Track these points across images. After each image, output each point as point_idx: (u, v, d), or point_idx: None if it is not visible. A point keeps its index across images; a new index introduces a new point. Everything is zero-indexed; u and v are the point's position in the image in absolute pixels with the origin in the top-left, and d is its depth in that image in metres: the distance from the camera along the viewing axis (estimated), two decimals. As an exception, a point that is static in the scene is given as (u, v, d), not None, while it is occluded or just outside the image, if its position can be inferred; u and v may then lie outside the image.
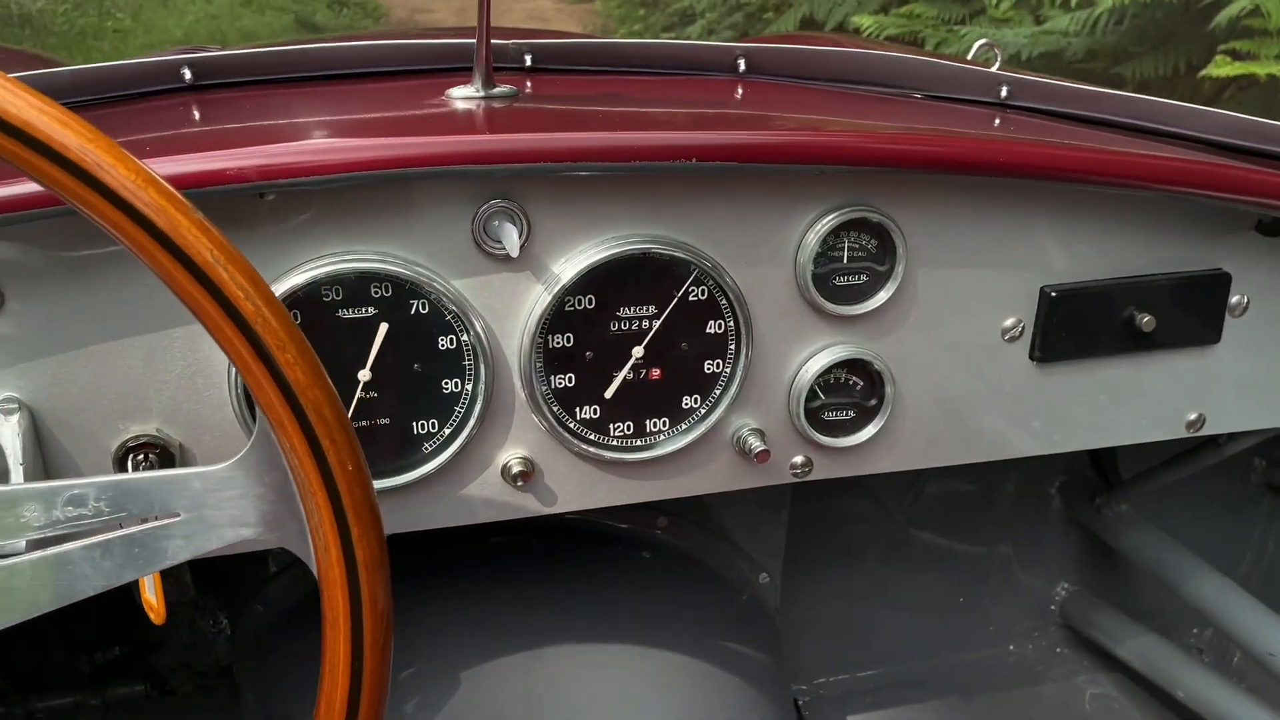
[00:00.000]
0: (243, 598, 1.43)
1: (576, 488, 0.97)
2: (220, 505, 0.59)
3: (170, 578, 1.44)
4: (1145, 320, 1.02)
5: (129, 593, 1.46)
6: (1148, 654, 1.57)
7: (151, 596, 0.81)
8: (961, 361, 1.02)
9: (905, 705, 1.62)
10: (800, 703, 1.61)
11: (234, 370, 0.82)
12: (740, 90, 1.18)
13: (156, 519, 0.58)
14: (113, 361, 0.82)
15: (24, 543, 0.58)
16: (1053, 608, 1.73)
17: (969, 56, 1.29)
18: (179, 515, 0.59)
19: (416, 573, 1.09)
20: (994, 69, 1.19)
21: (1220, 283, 1.06)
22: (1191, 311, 1.05)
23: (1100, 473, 1.64)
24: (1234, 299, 1.07)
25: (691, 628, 1.30)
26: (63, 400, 0.82)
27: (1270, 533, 1.72)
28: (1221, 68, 3.61)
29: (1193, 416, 1.10)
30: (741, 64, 1.18)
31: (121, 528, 0.58)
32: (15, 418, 0.78)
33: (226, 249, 0.54)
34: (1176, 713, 1.56)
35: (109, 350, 0.82)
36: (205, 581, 1.50)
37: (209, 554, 0.60)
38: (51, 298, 0.80)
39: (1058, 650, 1.71)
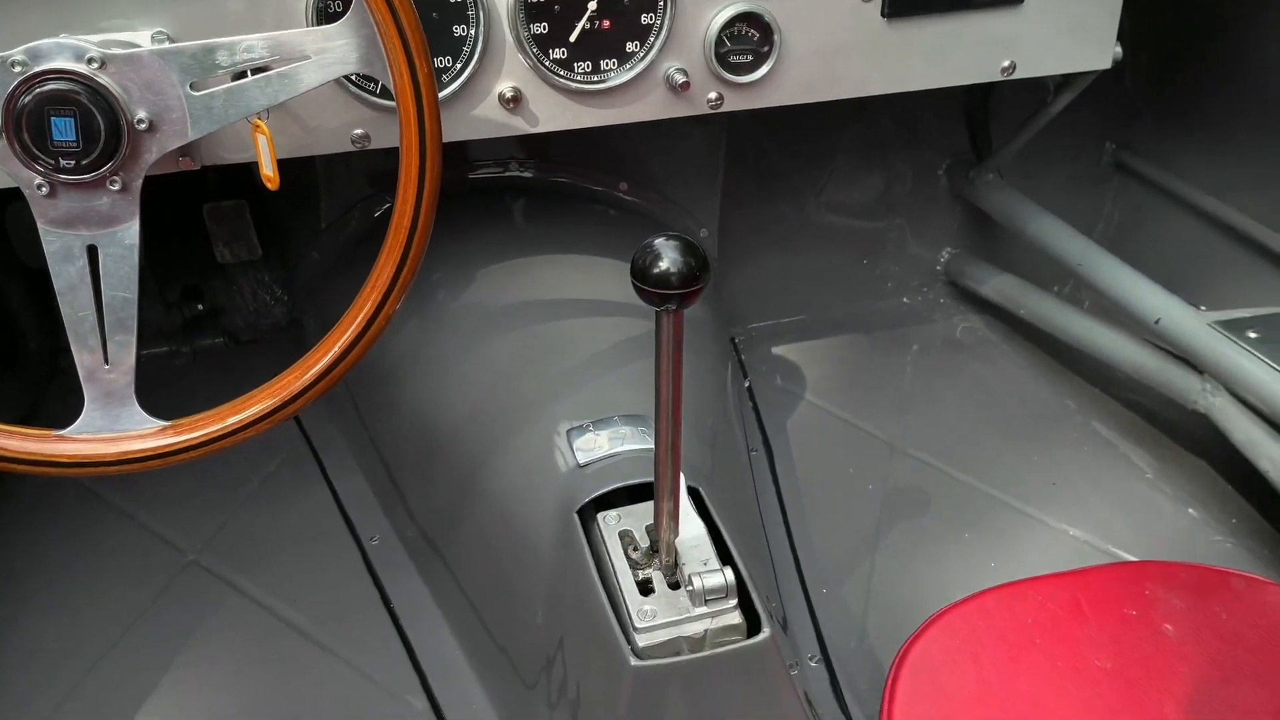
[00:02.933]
0: (299, 251, 1.84)
1: (552, 112, 1.35)
2: (334, 50, 0.97)
3: (241, 239, 1.85)
4: (965, -18, 1.39)
5: (207, 260, 1.87)
6: (1010, 293, 2.01)
7: (270, 171, 1.19)
8: (830, 16, 1.39)
9: (820, 340, 2.07)
10: (736, 341, 2.05)
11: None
12: None
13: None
14: None
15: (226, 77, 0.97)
16: (939, 267, 2.17)
17: None
18: (309, 57, 0.97)
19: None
20: None
21: (1024, -47, 1.42)
22: (1000, -25, 1.42)
23: (975, 147, 2.03)
24: None
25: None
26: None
27: (1117, 205, 2.14)
28: None
29: (1006, 64, 1.49)
30: None
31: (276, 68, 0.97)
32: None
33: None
34: (1029, 335, 2.02)
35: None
36: (268, 246, 1.91)
37: (327, 82, 0.98)
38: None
39: (941, 301, 2.16)
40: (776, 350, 2.04)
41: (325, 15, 1.20)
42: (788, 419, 1.83)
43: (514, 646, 1.29)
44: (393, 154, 1.29)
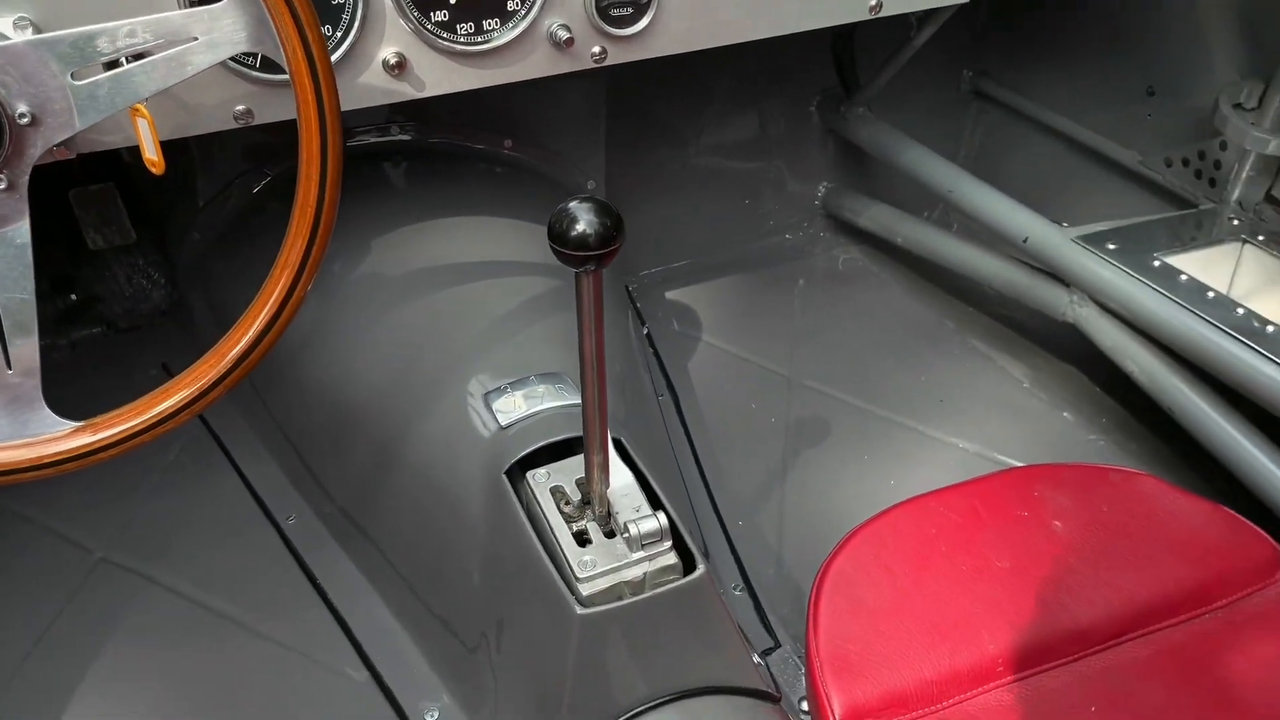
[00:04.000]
0: (176, 232, 1.78)
1: (438, 75, 1.34)
2: (222, 30, 0.94)
3: (113, 223, 1.78)
4: (830, -74, 1.43)
5: (76, 247, 1.79)
6: (885, 222, 2.10)
7: (152, 155, 1.16)
8: (706, -35, 1.41)
9: (711, 281, 2.13)
10: (630, 290, 2.09)
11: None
12: None
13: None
14: None
15: (101, 65, 0.94)
16: (816, 202, 2.24)
17: None
18: (196, 38, 0.94)
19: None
20: None
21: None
22: (863, -81, 1.47)
23: (844, 84, 2.10)
24: None
25: (539, 219, 1.72)
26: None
27: (976, 129, 2.25)
28: None
29: (874, 2, 1.54)
30: None
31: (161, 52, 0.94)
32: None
33: None
34: (906, 261, 2.12)
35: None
36: (141, 228, 1.84)
37: (217, 63, 0.96)
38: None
39: (821, 235, 2.24)
40: (670, 295, 2.09)
41: (197, -9, 1.16)
42: (688, 362, 1.88)
43: (451, 611, 1.32)
44: (270, 127, 1.27)
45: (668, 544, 1.03)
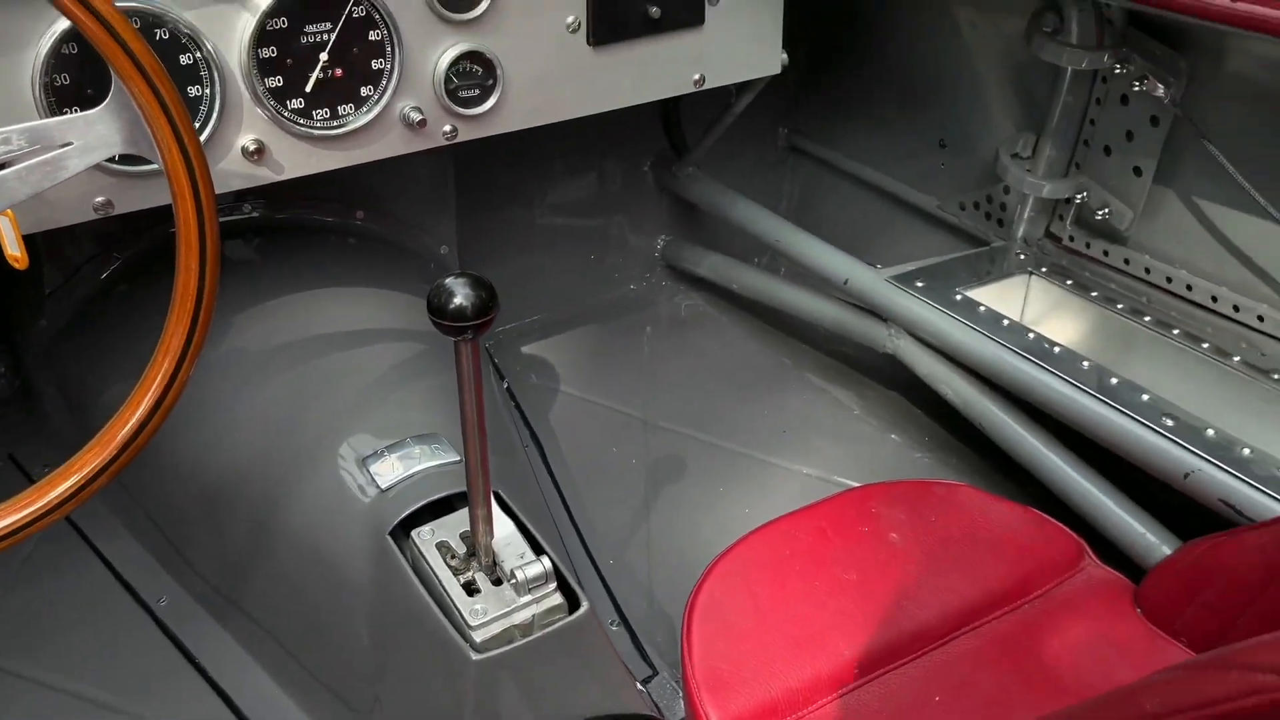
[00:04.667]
0: (24, 318, 1.75)
1: (296, 159, 1.40)
2: (98, 135, 0.99)
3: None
4: (654, 11, 1.57)
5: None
6: (721, 270, 2.26)
7: (15, 251, 1.17)
8: (544, 49, 1.53)
9: (562, 334, 2.23)
10: (488, 346, 2.16)
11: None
12: None
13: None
14: None
15: (-26, 171, 0.97)
16: (656, 254, 2.39)
17: None
18: (71, 143, 0.99)
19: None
20: None
21: (700, -20, 1.63)
22: (683, 3, 1.62)
23: (674, 146, 2.26)
24: None
25: (397, 287, 1.78)
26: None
27: (794, 182, 2.45)
28: None
29: (697, 77, 1.69)
30: None
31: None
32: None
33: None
34: (742, 305, 2.28)
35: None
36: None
37: (93, 164, 1.00)
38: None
39: (663, 284, 2.38)
40: (526, 350, 2.18)
41: (55, 92, 1.19)
42: (548, 412, 1.97)
43: (339, 677, 1.35)
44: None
45: (553, 585, 1.11)
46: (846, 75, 2.22)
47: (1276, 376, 1.53)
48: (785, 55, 1.76)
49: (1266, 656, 0.54)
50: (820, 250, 1.94)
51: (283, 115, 1.36)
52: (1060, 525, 1.33)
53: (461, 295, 0.96)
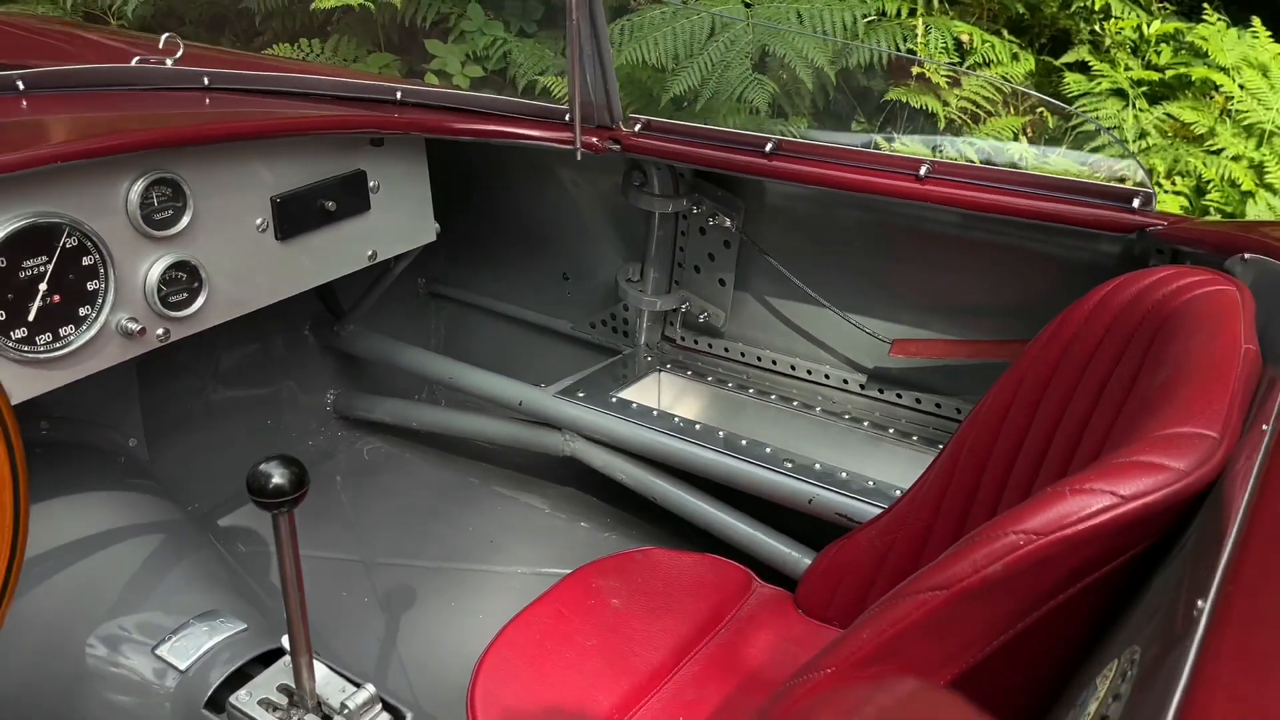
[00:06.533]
0: None
1: (24, 384, 1.46)
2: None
3: None
4: (330, 205, 1.83)
5: None
6: (397, 411, 2.48)
7: None
8: (240, 248, 1.72)
9: None
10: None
11: None
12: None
13: None
14: None
15: None
16: (328, 409, 2.56)
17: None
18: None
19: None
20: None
21: (361, 176, 1.91)
22: (352, 195, 1.89)
23: (330, 309, 2.48)
24: (371, 184, 1.93)
25: (92, 487, 1.82)
26: None
27: (439, 322, 2.75)
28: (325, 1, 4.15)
29: (369, 253, 1.96)
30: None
31: None
32: None
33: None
34: (425, 439, 2.51)
35: None
36: None
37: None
38: None
39: (339, 434, 2.56)
40: (224, 523, 2.25)
41: None
42: (268, 575, 2.07)
43: None
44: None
45: (379, 707, 1.31)
46: (473, 228, 2.58)
47: (847, 417, 2.09)
48: (438, 225, 2.08)
49: (930, 578, 0.93)
50: (491, 380, 2.25)
51: (7, 346, 1.43)
52: (730, 562, 1.69)
53: (279, 475, 1.15)
